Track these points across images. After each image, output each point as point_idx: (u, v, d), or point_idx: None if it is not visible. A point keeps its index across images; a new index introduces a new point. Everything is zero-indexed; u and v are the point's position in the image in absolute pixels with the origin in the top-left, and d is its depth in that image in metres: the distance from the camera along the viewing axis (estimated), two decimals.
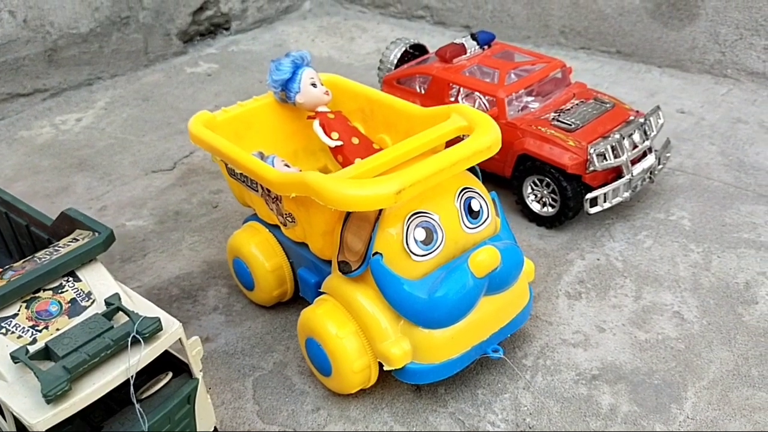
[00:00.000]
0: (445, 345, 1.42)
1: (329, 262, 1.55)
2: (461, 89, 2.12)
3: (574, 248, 1.95)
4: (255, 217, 1.79)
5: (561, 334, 1.66)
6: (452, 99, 2.14)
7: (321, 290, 1.54)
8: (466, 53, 2.24)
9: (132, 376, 1.08)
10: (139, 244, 2.09)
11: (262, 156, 1.72)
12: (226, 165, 1.71)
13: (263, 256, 1.70)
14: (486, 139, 1.44)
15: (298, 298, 1.75)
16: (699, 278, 1.80)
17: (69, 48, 3.03)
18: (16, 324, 1.12)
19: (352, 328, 1.44)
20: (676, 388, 1.50)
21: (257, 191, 1.64)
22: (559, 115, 2.00)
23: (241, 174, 1.66)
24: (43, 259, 1.20)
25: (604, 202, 1.92)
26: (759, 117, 2.54)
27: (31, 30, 2.89)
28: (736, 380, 1.51)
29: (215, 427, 1.28)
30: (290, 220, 1.59)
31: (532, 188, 2.02)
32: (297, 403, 1.53)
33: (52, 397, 1.00)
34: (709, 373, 1.54)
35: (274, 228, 1.72)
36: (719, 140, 2.41)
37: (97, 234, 1.24)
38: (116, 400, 1.21)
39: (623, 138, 1.91)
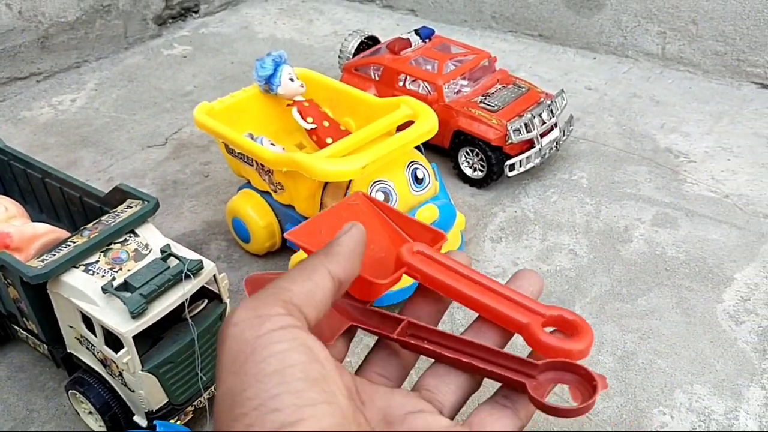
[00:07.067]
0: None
1: None
2: (408, 77, 2.62)
3: (498, 203, 2.48)
4: (248, 185, 2.27)
5: (485, 268, 2.20)
6: (401, 84, 2.63)
7: None
8: (411, 46, 2.72)
9: (186, 300, 1.57)
10: None
11: (252, 136, 2.19)
12: (226, 145, 2.18)
13: (257, 215, 2.19)
14: (427, 125, 1.95)
15: (283, 249, 2.24)
16: (590, 224, 2.36)
17: (59, 35, 3.40)
18: (99, 267, 1.59)
19: None
20: (567, 304, 2.06)
21: (252, 166, 2.12)
22: (485, 98, 2.51)
23: (239, 152, 2.13)
24: (109, 222, 1.67)
25: (520, 167, 2.45)
26: (651, 92, 3.10)
27: (26, 20, 3.26)
28: (610, 297, 2.08)
29: None
30: (280, 187, 2.07)
31: (465, 156, 2.54)
32: None
33: (136, 314, 1.48)
34: (591, 292, 2.10)
35: (264, 194, 2.20)
36: (616, 113, 2.96)
37: (147, 202, 1.71)
38: (167, 321, 1.69)
39: (534, 117, 2.43)
